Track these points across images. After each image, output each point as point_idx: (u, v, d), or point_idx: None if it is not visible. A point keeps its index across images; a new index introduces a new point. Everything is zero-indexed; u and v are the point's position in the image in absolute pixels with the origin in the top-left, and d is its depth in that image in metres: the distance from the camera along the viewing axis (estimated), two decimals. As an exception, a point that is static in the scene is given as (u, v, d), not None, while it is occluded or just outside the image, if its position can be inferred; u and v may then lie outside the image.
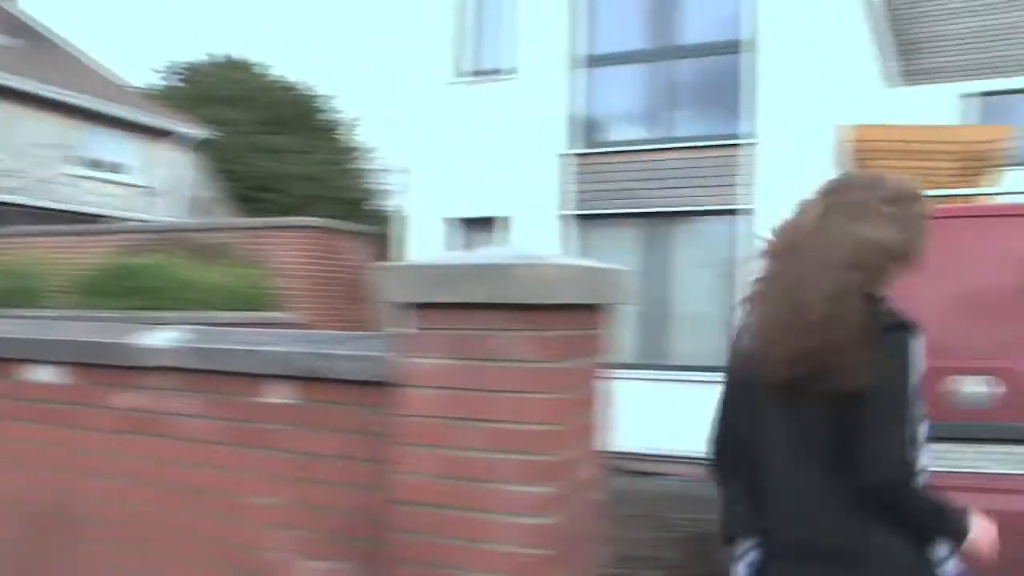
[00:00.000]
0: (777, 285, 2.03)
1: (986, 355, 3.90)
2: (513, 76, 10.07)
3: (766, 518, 2.01)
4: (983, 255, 4.04)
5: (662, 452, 8.97)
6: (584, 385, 2.36)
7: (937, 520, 1.92)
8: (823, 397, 1.92)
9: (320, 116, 26.81)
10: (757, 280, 2.11)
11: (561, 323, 2.19)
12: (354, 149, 27.25)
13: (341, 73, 50.88)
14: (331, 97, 27.58)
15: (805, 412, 1.96)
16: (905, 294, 2.11)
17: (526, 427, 2.14)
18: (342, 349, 2.45)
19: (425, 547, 2.22)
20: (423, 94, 10.90)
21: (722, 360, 2.29)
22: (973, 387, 3.85)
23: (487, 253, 2.25)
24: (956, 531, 1.93)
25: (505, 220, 10.01)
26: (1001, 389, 3.82)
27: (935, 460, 2.06)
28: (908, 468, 1.87)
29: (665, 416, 8.86)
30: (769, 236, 2.12)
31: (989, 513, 2.01)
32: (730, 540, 2.12)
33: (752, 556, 2.06)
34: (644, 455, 9.04)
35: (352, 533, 2.40)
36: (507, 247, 2.24)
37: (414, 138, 10.96)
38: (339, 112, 27.66)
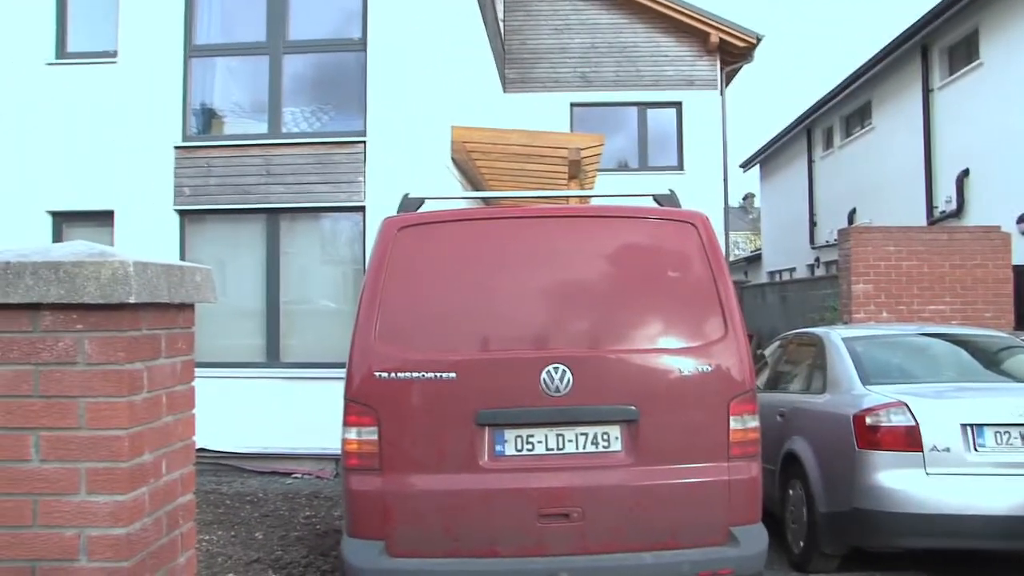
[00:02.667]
0: None
1: None
2: (113, 60, 9.38)
3: None
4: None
5: (287, 451, 8.88)
6: (164, 386, 2.29)
7: None
8: None
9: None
10: None
11: (136, 323, 2.11)
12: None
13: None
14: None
15: None
16: None
17: (96, 433, 2.03)
18: None
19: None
20: (17, 75, 9.96)
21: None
22: None
23: (48, 249, 2.10)
24: None
25: (110, 214, 9.32)
26: None
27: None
28: None
29: (288, 415, 8.76)
30: None
31: None
32: None
33: None
34: (270, 454, 8.91)
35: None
36: (79, 243, 2.11)
37: (5, 122, 10.00)
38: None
